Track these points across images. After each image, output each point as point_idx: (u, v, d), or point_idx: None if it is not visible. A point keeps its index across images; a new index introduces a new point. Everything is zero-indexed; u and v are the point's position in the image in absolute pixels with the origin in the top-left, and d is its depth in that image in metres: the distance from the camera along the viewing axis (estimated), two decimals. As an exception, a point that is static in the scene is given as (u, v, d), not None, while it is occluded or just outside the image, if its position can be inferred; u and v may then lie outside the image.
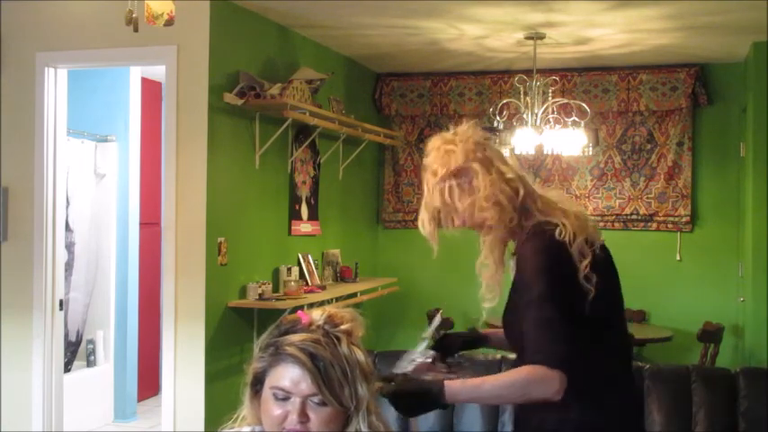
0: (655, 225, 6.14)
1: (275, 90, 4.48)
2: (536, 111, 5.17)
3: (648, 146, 6.13)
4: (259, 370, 1.53)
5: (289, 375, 1.48)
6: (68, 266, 5.35)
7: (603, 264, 1.95)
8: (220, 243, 4.32)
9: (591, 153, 5.63)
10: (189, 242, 4.22)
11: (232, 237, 4.42)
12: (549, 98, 5.22)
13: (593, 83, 6.21)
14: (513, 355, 2.16)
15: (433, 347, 2.10)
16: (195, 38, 4.21)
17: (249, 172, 4.64)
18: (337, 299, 5.10)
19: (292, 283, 4.71)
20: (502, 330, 2.23)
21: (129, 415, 5.92)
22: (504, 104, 5.32)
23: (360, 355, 1.53)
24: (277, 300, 4.53)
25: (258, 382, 1.53)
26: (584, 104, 5.26)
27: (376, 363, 3.06)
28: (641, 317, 5.95)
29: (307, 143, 5.16)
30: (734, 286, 5.84)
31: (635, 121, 6.16)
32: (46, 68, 4.44)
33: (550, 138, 5.20)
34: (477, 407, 3.18)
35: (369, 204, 6.58)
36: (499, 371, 3.00)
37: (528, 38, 5.14)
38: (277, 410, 1.48)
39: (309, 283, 5.06)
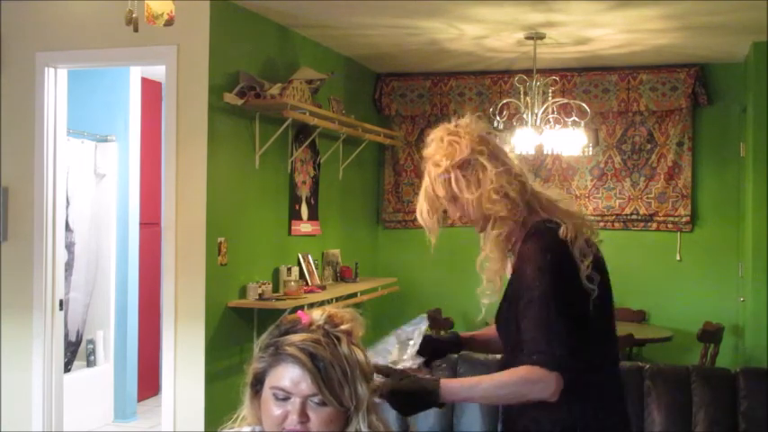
0: (655, 225, 6.14)
1: (275, 90, 4.48)
2: (536, 111, 5.17)
3: (648, 146, 6.13)
4: (259, 370, 1.53)
5: (289, 375, 1.48)
6: (68, 266, 5.35)
7: (601, 264, 1.95)
8: (220, 243, 4.32)
9: (591, 153, 5.63)
10: (189, 242, 4.22)
11: (232, 237, 4.42)
12: (549, 98, 5.22)
13: (593, 83, 6.21)
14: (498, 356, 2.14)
15: (418, 352, 2.06)
16: (195, 38, 4.21)
17: (249, 172, 4.64)
18: (337, 299, 5.10)
19: (292, 283, 4.71)
20: (485, 333, 2.21)
21: (129, 415, 5.92)
22: (504, 104, 5.32)
23: (360, 355, 1.53)
24: (277, 300, 4.53)
25: (258, 383, 1.53)
26: (584, 104, 5.25)
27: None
28: (641, 317, 5.95)
29: (307, 143, 5.16)
30: (734, 286, 5.84)
31: (635, 121, 6.16)
32: (46, 68, 4.44)
33: (550, 138, 5.20)
34: (477, 407, 3.18)
35: (369, 204, 6.58)
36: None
37: (528, 38, 5.14)
38: (277, 410, 1.48)
39: (309, 283, 5.06)
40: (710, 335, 5.01)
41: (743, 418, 3.06)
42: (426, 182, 1.99)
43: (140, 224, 6.05)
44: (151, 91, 6.31)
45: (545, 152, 5.35)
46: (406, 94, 6.62)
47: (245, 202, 4.61)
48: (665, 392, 3.12)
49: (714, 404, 3.09)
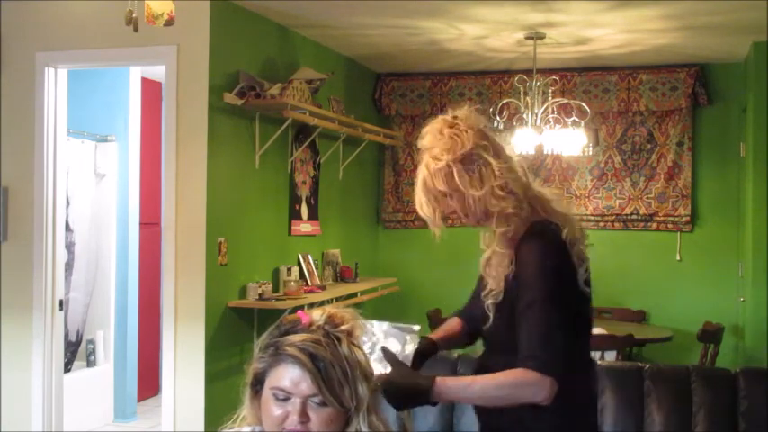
0: (655, 225, 6.14)
1: (275, 90, 4.48)
2: (536, 111, 5.17)
3: (648, 146, 6.13)
4: (259, 370, 1.53)
5: (289, 376, 1.48)
6: (68, 266, 5.35)
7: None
8: (220, 243, 4.32)
9: (591, 153, 5.63)
10: (189, 242, 4.22)
11: (232, 237, 4.42)
12: (549, 98, 5.22)
13: (594, 83, 6.21)
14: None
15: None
16: (195, 38, 4.21)
17: (249, 172, 4.64)
18: (337, 299, 5.10)
19: (292, 283, 4.71)
20: (449, 330, 2.15)
21: (129, 415, 5.92)
22: (504, 104, 5.32)
23: (360, 355, 1.53)
24: (277, 300, 4.53)
25: (258, 383, 1.53)
26: (584, 104, 5.26)
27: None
28: (641, 317, 5.95)
29: (307, 143, 5.16)
30: (734, 286, 5.84)
31: (635, 121, 6.16)
32: (46, 68, 4.44)
33: (550, 138, 5.20)
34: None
35: (369, 204, 6.58)
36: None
37: (528, 38, 5.14)
38: (277, 411, 1.48)
39: (309, 283, 5.06)
40: (710, 335, 5.01)
41: (743, 418, 3.06)
42: (425, 175, 1.92)
43: (140, 224, 6.05)
44: (151, 91, 6.31)
45: (545, 152, 5.35)
46: (406, 94, 6.62)
47: (245, 202, 4.61)
48: (665, 392, 3.12)
49: (714, 404, 3.09)
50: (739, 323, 5.70)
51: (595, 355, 4.37)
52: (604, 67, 6.15)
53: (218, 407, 4.16)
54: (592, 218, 6.22)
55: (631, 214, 6.17)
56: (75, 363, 5.70)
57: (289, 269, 4.90)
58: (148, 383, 6.35)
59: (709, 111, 6.03)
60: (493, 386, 1.84)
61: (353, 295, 5.38)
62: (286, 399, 1.48)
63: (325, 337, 1.50)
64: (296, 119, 4.68)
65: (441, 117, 1.96)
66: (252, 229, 4.66)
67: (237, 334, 4.49)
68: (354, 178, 6.13)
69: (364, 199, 6.47)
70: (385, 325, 1.96)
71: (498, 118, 5.10)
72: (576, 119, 5.13)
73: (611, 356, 4.44)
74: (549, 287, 1.82)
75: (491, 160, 1.88)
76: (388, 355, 1.88)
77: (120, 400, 5.90)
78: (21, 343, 4.44)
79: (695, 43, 5.35)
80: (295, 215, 5.15)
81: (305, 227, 5.26)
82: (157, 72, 5.82)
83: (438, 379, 1.82)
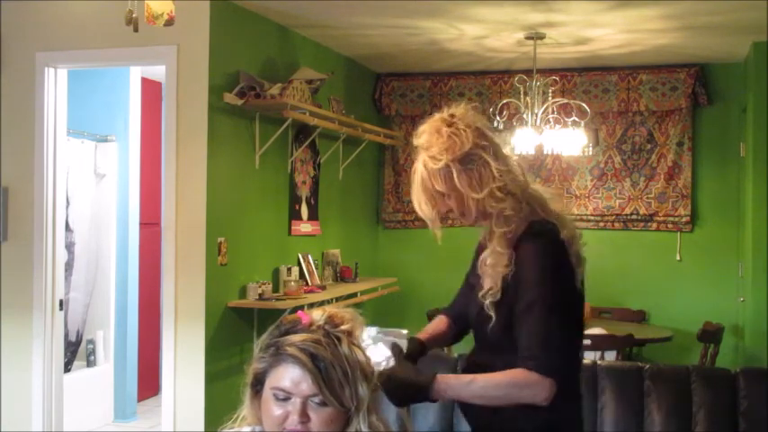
0: (655, 225, 6.14)
1: (275, 90, 4.48)
2: (536, 111, 5.17)
3: (648, 146, 6.13)
4: (259, 370, 1.53)
5: (289, 376, 1.48)
6: (68, 266, 5.35)
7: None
8: (220, 243, 4.32)
9: (591, 153, 5.64)
10: (189, 242, 4.22)
11: (232, 237, 4.42)
12: (549, 98, 5.22)
13: (594, 83, 6.21)
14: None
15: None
16: (195, 38, 4.21)
17: (249, 172, 4.64)
18: (337, 299, 5.10)
19: (292, 283, 4.71)
20: (436, 329, 2.16)
21: (129, 415, 5.92)
22: (504, 104, 5.32)
23: (360, 355, 1.53)
24: (277, 300, 4.53)
25: (258, 383, 1.53)
26: (584, 104, 5.26)
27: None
28: (641, 317, 5.95)
29: (307, 143, 5.16)
30: (734, 286, 5.84)
31: (635, 121, 6.16)
32: (46, 68, 4.44)
33: (550, 138, 5.20)
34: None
35: (369, 204, 6.58)
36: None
37: (528, 38, 5.14)
38: (278, 411, 1.48)
39: (309, 283, 5.06)
40: (710, 335, 5.01)
41: (743, 418, 3.06)
42: (422, 174, 1.90)
43: (140, 224, 6.05)
44: (151, 91, 6.31)
45: (545, 152, 5.35)
46: (406, 94, 6.62)
47: (245, 202, 4.61)
48: (665, 392, 3.12)
49: (714, 404, 3.08)
50: (739, 323, 5.70)
51: (595, 355, 4.37)
52: (604, 67, 6.15)
53: (218, 407, 4.16)
54: (592, 218, 6.22)
55: (631, 214, 6.17)
56: (76, 363, 5.70)
57: (289, 269, 4.90)
58: (148, 383, 6.35)
59: (709, 111, 6.03)
60: (493, 385, 1.84)
61: (353, 295, 5.38)
62: (286, 399, 1.48)
63: (326, 337, 1.50)
64: (296, 119, 4.68)
65: (438, 115, 1.93)
66: (252, 229, 4.66)
67: (237, 334, 4.49)
68: (354, 178, 6.13)
69: (364, 199, 6.47)
70: (373, 330, 1.95)
71: (498, 118, 5.10)
72: (576, 119, 5.13)
73: (611, 356, 4.44)
74: (549, 288, 1.82)
75: (490, 161, 1.87)
76: (395, 349, 1.88)
77: (120, 400, 5.90)
78: (21, 343, 4.44)
79: (695, 43, 5.35)
80: (295, 215, 5.15)
81: (305, 227, 5.26)
82: (157, 72, 5.82)
83: (439, 376, 1.83)
